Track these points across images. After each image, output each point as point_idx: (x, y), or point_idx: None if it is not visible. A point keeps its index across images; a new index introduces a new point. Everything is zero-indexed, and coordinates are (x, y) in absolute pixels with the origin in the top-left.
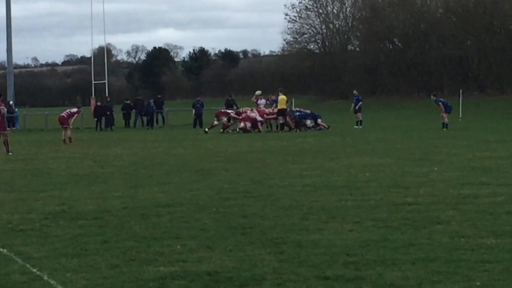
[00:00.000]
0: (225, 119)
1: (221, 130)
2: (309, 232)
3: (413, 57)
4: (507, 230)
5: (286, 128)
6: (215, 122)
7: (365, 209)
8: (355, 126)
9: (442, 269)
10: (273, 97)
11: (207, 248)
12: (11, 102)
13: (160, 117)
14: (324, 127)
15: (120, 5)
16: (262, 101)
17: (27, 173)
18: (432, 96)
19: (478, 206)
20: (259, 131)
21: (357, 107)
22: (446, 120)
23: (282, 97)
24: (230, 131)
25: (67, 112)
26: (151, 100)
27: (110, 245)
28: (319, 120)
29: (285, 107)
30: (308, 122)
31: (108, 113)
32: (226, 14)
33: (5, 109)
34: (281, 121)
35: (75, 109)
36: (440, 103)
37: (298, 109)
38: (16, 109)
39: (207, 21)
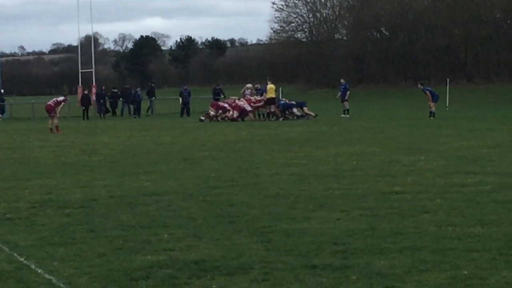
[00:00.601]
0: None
1: (202, 118)
2: (296, 221)
3: (400, 46)
4: (494, 219)
5: (272, 117)
6: (212, 113)
7: (352, 198)
8: (342, 115)
9: (429, 257)
10: (258, 86)
11: (194, 236)
12: (2, 91)
13: (152, 104)
14: (311, 115)
15: None
16: (247, 92)
17: (14, 162)
18: (419, 85)
19: (465, 195)
20: (252, 119)
21: (346, 97)
22: (433, 109)
23: (270, 86)
24: (219, 119)
25: (54, 101)
26: (138, 89)
27: (97, 234)
28: (305, 109)
29: (273, 96)
30: (295, 111)
31: (101, 101)
32: (213, 2)
33: None
34: (270, 110)
35: (61, 98)
36: (427, 92)
37: (283, 99)
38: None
39: (194, 10)
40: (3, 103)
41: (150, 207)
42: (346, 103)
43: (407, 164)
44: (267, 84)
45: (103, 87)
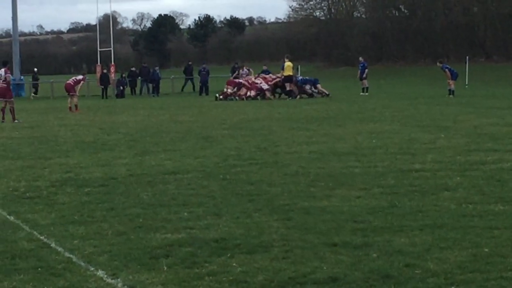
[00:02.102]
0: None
1: (220, 97)
2: (316, 199)
3: (419, 24)
4: None
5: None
6: (229, 90)
7: (372, 176)
8: (361, 93)
9: (450, 235)
10: (265, 68)
11: (214, 215)
12: (35, 69)
13: (190, 83)
14: (325, 93)
15: None
16: (244, 71)
17: (33, 141)
18: (438, 63)
19: (485, 173)
20: (269, 98)
21: (364, 75)
22: (452, 86)
23: (288, 64)
24: (237, 98)
25: (73, 80)
26: (157, 68)
27: (117, 212)
28: (318, 86)
29: (291, 73)
30: (308, 88)
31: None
32: None
33: (11, 77)
34: (288, 88)
35: (80, 77)
36: (446, 70)
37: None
38: (22, 77)
39: None
40: (36, 82)
41: (169, 186)
42: (365, 81)
43: (427, 142)
44: (284, 61)
45: (123, 74)
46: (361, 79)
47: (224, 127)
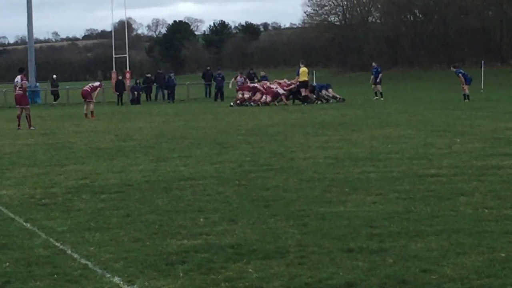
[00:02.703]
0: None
1: (238, 103)
2: (332, 204)
3: (434, 29)
4: None
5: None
6: (246, 96)
7: (388, 181)
8: (374, 98)
9: (466, 240)
10: (263, 74)
11: (230, 221)
12: (54, 76)
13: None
14: (339, 98)
15: None
16: (240, 79)
17: (49, 148)
18: (452, 68)
19: (501, 177)
20: (285, 103)
21: (378, 79)
22: (467, 91)
23: (303, 69)
24: (252, 104)
25: (89, 86)
26: (172, 74)
27: (132, 219)
28: (330, 90)
29: (306, 79)
30: (324, 93)
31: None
32: None
33: (28, 83)
34: (303, 94)
35: (97, 83)
36: (460, 75)
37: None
38: (37, 84)
39: None
40: (56, 89)
41: (185, 192)
42: (379, 86)
43: (443, 146)
44: (299, 67)
45: (138, 81)
46: (375, 84)
47: (239, 133)
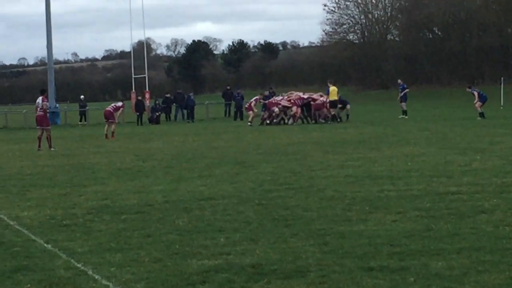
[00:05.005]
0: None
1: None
2: (352, 223)
3: (453, 46)
4: None
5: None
6: (276, 110)
7: (408, 199)
8: (400, 116)
9: (487, 258)
10: (266, 93)
11: (250, 240)
12: (82, 97)
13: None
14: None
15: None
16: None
17: (69, 169)
18: (467, 89)
19: None
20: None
21: (403, 96)
22: (479, 109)
23: (333, 88)
24: (290, 121)
25: (112, 107)
26: (191, 94)
27: (153, 239)
28: (348, 107)
29: (336, 98)
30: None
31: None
32: (262, 7)
33: (48, 105)
34: (333, 113)
35: (120, 103)
36: (475, 92)
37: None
38: (57, 105)
39: (244, 14)
40: (84, 109)
41: (205, 212)
42: (403, 104)
43: (463, 164)
44: (328, 86)
45: (157, 101)
46: (401, 101)
47: (259, 152)
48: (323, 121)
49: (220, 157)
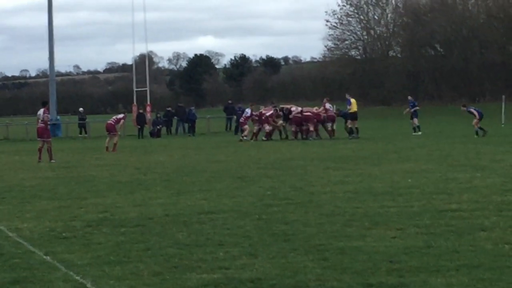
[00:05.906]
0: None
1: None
2: (352, 239)
3: (455, 63)
4: None
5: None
6: (280, 122)
7: (408, 215)
8: (413, 133)
9: (487, 276)
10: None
11: (249, 255)
12: (81, 109)
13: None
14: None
15: (160, 13)
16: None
17: (70, 181)
18: (462, 107)
19: None
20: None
21: (409, 111)
22: (475, 127)
23: (354, 100)
24: (311, 137)
25: (114, 119)
26: (192, 107)
27: (152, 252)
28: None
29: (356, 110)
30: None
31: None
32: (265, 22)
33: (49, 117)
34: (355, 125)
35: (121, 115)
36: (472, 110)
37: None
38: (58, 117)
39: (246, 29)
40: (83, 122)
41: (205, 226)
42: (415, 120)
43: (463, 181)
44: (348, 99)
45: (159, 115)
46: (411, 118)
47: (259, 166)
48: (310, 138)
49: (221, 171)
